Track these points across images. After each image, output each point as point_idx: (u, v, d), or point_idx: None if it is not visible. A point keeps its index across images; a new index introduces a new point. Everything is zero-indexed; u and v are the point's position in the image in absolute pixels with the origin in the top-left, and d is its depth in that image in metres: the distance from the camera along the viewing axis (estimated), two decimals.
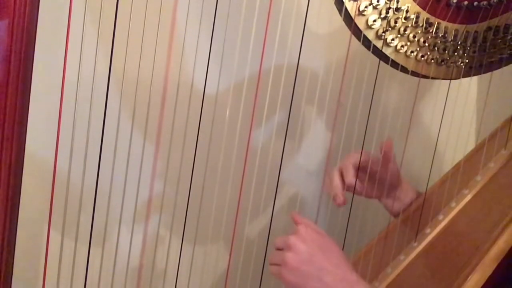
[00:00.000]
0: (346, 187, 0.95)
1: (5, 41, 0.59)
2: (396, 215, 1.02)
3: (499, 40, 0.90)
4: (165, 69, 0.74)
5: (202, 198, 0.86)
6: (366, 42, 0.83)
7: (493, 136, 1.03)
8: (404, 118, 0.98)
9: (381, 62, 0.85)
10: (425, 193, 1.00)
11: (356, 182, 0.94)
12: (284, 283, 0.74)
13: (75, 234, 0.76)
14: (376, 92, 0.89)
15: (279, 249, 0.77)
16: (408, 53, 0.86)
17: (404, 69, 0.87)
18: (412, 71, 0.88)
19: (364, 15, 0.81)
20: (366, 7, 0.80)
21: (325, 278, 0.72)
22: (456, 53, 0.89)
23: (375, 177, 0.97)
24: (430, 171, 0.97)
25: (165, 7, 0.72)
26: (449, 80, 0.91)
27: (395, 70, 0.87)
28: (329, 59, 1.04)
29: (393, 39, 0.84)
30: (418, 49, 0.86)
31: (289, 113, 0.86)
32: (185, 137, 0.81)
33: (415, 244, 0.94)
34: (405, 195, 1.02)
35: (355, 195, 0.97)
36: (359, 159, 0.94)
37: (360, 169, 0.95)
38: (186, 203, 0.81)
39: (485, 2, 0.85)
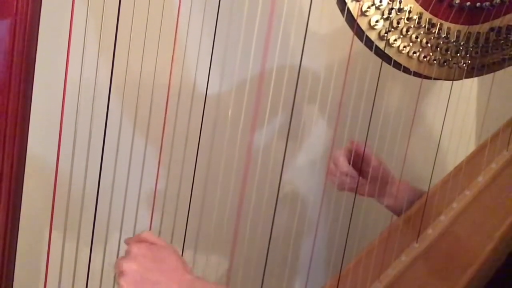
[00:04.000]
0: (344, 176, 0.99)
1: (7, 41, 0.59)
2: (398, 214, 1.02)
3: (501, 41, 0.90)
4: (167, 70, 0.74)
5: (204, 199, 0.86)
6: (369, 43, 0.83)
7: (495, 137, 1.03)
8: (406, 119, 0.98)
9: (384, 62, 0.85)
10: (427, 194, 1.00)
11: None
12: None
13: (77, 234, 0.76)
14: (378, 93, 0.89)
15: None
16: (411, 53, 0.86)
17: (406, 70, 0.87)
18: (414, 72, 0.88)
19: (366, 15, 0.81)
20: (368, 7, 0.80)
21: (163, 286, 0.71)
22: (458, 54, 0.89)
23: (367, 174, 0.99)
24: (432, 171, 0.97)
25: (167, 8, 0.72)
26: (451, 81, 0.91)
27: (397, 71, 0.87)
28: (331, 60, 1.04)
29: (395, 40, 0.84)
30: (420, 49, 0.86)
31: (291, 114, 0.86)
32: (187, 138, 0.81)
33: (417, 245, 0.94)
34: (401, 192, 1.03)
35: (355, 196, 0.98)
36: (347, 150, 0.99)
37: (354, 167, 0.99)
38: (188, 204, 0.81)
39: (487, 3, 0.85)
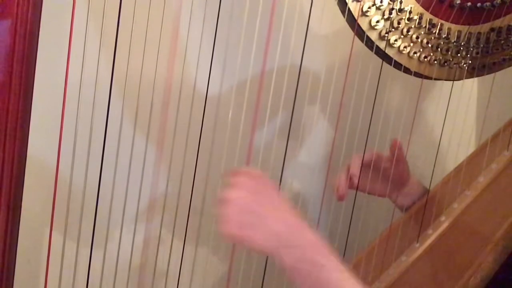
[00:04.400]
0: (349, 180, 0.96)
1: (7, 41, 0.59)
2: (403, 210, 1.02)
3: (502, 41, 0.90)
4: (167, 70, 0.74)
5: (204, 199, 0.86)
6: (369, 43, 0.83)
7: (495, 137, 1.03)
8: (406, 119, 0.98)
9: (384, 63, 0.85)
10: (428, 194, 1.00)
11: (360, 174, 0.95)
12: (232, 240, 0.70)
13: (77, 235, 0.75)
14: (379, 93, 0.89)
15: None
16: (411, 54, 0.86)
17: (407, 70, 0.87)
18: (415, 72, 0.88)
19: (367, 15, 0.81)
20: (369, 7, 0.80)
21: (268, 222, 0.68)
22: (459, 54, 0.89)
23: (387, 176, 0.98)
24: (433, 172, 0.97)
25: (168, 9, 0.72)
26: (451, 81, 0.91)
27: (398, 71, 0.87)
28: (332, 60, 1.03)
29: (396, 40, 0.84)
30: (421, 50, 0.86)
31: (292, 114, 0.86)
32: (188, 138, 0.81)
33: (417, 245, 0.94)
34: (413, 189, 1.03)
35: (363, 194, 0.98)
36: (367, 157, 0.95)
37: (372, 168, 0.96)
38: (188, 204, 0.81)
39: (488, 3, 0.85)
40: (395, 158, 0.97)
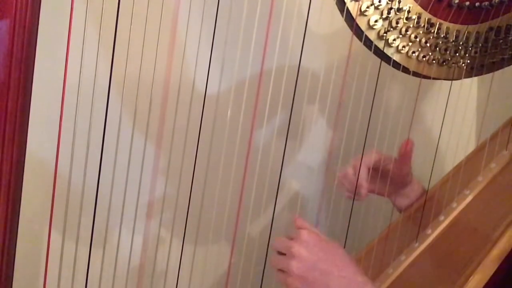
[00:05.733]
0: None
1: (6, 41, 0.59)
2: (401, 210, 1.02)
3: (501, 41, 0.90)
4: (166, 70, 0.74)
5: (203, 198, 0.86)
6: (368, 43, 0.83)
7: (494, 136, 1.03)
8: (405, 118, 0.98)
9: (383, 62, 0.85)
10: (426, 193, 1.00)
11: (366, 181, 0.95)
12: None
13: (76, 234, 0.76)
14: (378, 93, 0.89)
15: (280, 253, 0.76)
16: (410, 53, 0.86)
17: (405, 70, 0.87)
18: (413, 72, 0.88)
19: (365, 15, 0.81)
20: (367, 7, 0.80)
21: (331, 284, 0.72)
22: (457, 54, 0.89)
23: (387, 176, 0.97)
24: (432, 171, 0.97)
25: (166, 8, 0.72)
26: (450, 81, 0.91)
27: (396, 71, 0.87)
28: (330, 60, 1.04)
29: (394, 40, 0.84)
30: (419, 49, 0.86)
31: (291, 113, 0.86)
32: (186, 137, 0.81)
33: (416, 244, 0.94)
34: (413, 192, 1.03)
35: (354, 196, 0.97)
36: (372, 161, 0.95)
37: (373, 168, 0.96)
38: (187, 203, 0.81)
39: (486, 3, 0.85)
40: (403, 158, 0.97)
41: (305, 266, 0.72)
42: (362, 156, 0.94)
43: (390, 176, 0.97)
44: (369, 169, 0.95)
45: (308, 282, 0.72)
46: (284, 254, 0.75)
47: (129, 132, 0.78)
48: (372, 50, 0.84)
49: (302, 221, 0.79)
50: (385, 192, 1.01)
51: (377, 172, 0.97)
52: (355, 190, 0.96)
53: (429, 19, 0.84)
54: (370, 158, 0.95)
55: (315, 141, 1.23)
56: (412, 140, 0.96)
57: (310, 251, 0.73)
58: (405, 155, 0.96)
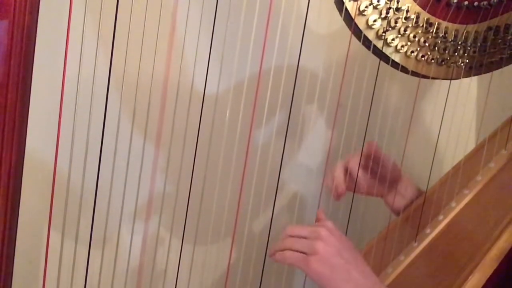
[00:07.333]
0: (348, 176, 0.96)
1: (5, 41, 0.59)
2: (397, 213, 1.02)
3: (499, 40, 0.90)
4: (165, 69, 0.74)
5: (203, 198, 0.86)
6: (367, 42, 0.83)
7: (493, 136, 1.03)
8: (404, 118, 0.98)
9: (382, 62, 0.85)
10: (425, 193, 1.00)
11: (358, 174, 0.96)
12: (309, 272, 0.74)
13: (75, 234, 0.76)
14: (376, 92, 0.89)
15: (300, 237, 0.77)
16: (409, 53, 0.86)
17: (404, 69, 0.87)
18: (412, 71, 0.88)
19: (364, 15, 0.81)
20: (366, 7, 0.80)
21: (353, 273, 0.73)
22: (456, 53, 0.89)
23: (376, 174, 0.98)
24: (431, 171, 0.97)
25: (165, 7, 0.72)
26: (449, 80, 0.91)
27: (395, 70, 0.87)
28: (329, 59, 1.04)
29: (393, 39, 0.84)
30: (418, 49, 0.86)
31: (289, 113, 0.86)
32: (185, 137, 0.81)
33: (415, 244, 0.94)
34: (405, 190, 1.02)
35: (356, 195, 0.97)
36: (349, 161, 0.96)
37: (361, 167, 0.96)
38: (187, 203, 0.81)
39: (485, 2, 0.85)
40: (376, 158, 0.98)
41: (332, 250, 0.73)
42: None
43: (378, 173, 0.98)
44: (346, 168, 0.97)
45: (331, 266, 0.73)
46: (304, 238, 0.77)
47: (128, 131, 0.79)
48: (371, 49, 0.84)
49: (324, 215, 0.81)
50: (377, 191, 1.01)
51: (367, 170, 0.98)
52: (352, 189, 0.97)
53: (428, 19, 0.85)
54: (348, 159, 0.97)
55: (314, 141, 1.23)
56: (372, 141, 0.97)
57: (337, 239, 0.75)
58: (376, 155, 0.97)
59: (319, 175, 1.22)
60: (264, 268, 0.83)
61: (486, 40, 0.89)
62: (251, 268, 0.93)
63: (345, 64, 0.85)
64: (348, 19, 0.81)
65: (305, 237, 0.76)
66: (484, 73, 0.93)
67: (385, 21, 0.82)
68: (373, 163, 0.97)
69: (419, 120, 1.27)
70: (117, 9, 0.64)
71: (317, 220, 0.81)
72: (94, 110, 0.72)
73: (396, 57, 0.85)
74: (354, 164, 0.96)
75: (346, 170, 0.97)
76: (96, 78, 0.71)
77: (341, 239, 0.76)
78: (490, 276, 0.85)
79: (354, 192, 0.97)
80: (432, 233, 0.94)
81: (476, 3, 0.85)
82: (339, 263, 0.73)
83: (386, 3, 0.81)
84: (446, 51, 0.88)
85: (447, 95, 0.93)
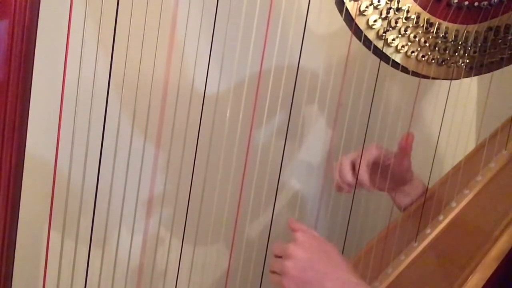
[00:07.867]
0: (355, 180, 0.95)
1: (5, 41, 0.59)
2: (402, 209, 1.02)
3: (500, 40, 0.90)
4: (165, 70, 0.74)
5: (203, 199, 0.86)
6: (367, 42, 0.83)
7: (493, 136, 1.03)
8: (404, 118, 0.98)
9: (382, 62, 0.85)
10: (425, 193, 1.00)
11: (358, 176, 0.94)
12: None
13: (76, 234, 0.75)
14: (377, 92, 0.89)
15: (278, 256, 0.76)
16: (409, 53, 0.86)
17: (404, 69, 0.87)
18: (412, 71, 0.88)
19: (364, 15, 0.81)
20: (366, 7, 0.80)
21: (326, 284, 0.72)
22: (456, 53, 0.89)
23: (388, 171, 0.97)
24: (431, 171, 0.97)
25: (165, 8, 0.72)
26: (449, 80, 0.91)
27: (395, 70, 0.87)
28: (329, 59, 1.04)
29: (393, 39, 0.84)
30: (418, 49, 0.86)
31: (290, 113, 0.86)
32: (186, 137, 0.81)
33: (416, 244, 0.94)
34: (414, 190, 1.02)
35: (361, 190, 0.97)
36: (372, 157, 0.94)
37: (373, 163, 0.95)
38: (187, 203, 0.81)
39: (485, 3, 0.85)
40: (403, 151, 0.96)
41: (300, 266, 0.72)
42: (362, 151, 0.94)
43: (390, 171, 0.97)
44: (369, 164, 0.95)
45: (303, 282, 0.72)
46: (281, 257, 0.76)
47: (128, 131, 0.79)
48: (371, 50, 0.84)
49: (296, 222, 0.79)
50: (385, 187, 1.00)
51: (377, 166, 0.97)
52: (355, 186, 0.96)
53: (428, 19, 0.85)
54: (371, 153, 0.95)
55: (315, 141, 1.23)
56: (413, 133, 0.95)
57: (305, 252, 0.73)
58: (405, 148, 0.96)
59: (319, 175, 1.22)
60: (264, 268, 0.83)
61: (487, 40, 0.89)
62: (251, 268, 0.93)
63: (346, 64, 0.85)
64: (349, 19, 0.81)
65: (280, 256, 0.76)
66: (485, 73, 0.93)
67: (386, 21, 0.82)
68: (382, 166, 0.97)
69: (419, 120, 1.27)
70: (118, 10, 0.64)
71: (291, 230, 0.79)
72: (94, 110, 0.72)
73: (397, 57, 0.85)
74: (362, 166, 0.94)
75: (353, 167, 0.95)
76: (96, 78, 0.71)
77: (310, 249, 0.74)
78: (491, 275, 0.85)
79: (354, 192, 0.96)
80: (432, 233, 0.94)
81: (476, 3, 0.85)
82: (311, 277, 0.72)
83: (386, 3, 0.81)
84: (447, 51, 0.88)
85: (448, 95, 0.93)
